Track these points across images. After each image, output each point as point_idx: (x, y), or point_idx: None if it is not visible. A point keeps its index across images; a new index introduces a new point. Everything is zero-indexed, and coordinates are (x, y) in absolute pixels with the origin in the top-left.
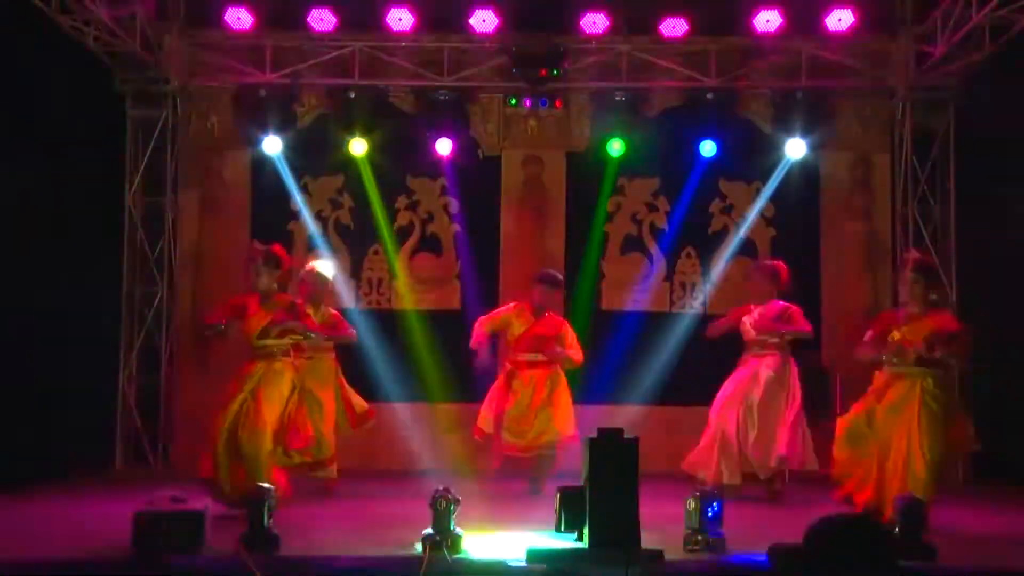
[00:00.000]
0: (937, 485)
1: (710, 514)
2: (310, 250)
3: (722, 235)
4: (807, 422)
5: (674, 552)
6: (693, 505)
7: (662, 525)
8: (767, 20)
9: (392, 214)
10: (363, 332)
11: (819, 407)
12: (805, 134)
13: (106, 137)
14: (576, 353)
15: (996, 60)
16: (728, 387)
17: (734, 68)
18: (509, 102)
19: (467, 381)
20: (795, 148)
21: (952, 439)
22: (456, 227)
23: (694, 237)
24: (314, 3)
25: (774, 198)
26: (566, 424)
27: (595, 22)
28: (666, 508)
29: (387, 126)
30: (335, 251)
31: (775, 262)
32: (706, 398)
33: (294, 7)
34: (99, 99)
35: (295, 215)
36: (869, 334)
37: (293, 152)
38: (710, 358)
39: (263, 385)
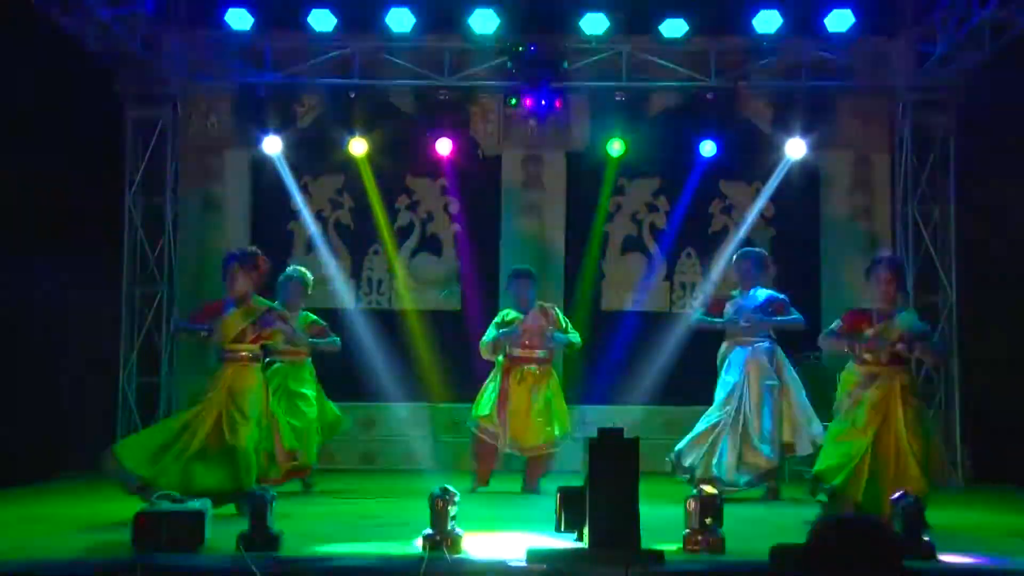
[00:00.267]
0: (930, 481)
1: (710, 514)
2: (310, 250)
3: (722, 235)
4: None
5: (674, 552)
6: (693, 505)
7: (662, 525)
8: (767, 20)
9: (392, 214)
10: (363, 332)
11: (819, 407)
12: (805, 134)
13: (106, 137)
14: (575, 335)
15: (996, 60)
16: (725, 385)
17: (734, 68)
18: (509, 102)
19: (467, 381)
20: (795, 148)
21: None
22: (456, 227)
23: (694, 237)
24: (314, 3)
25: (774, 198)
26: (564, 423)
27: (595, 22)
28: (666, 508)
29: (387, 126)
30: (335, 251)
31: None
32: (706, 398)
33: (294, 7)
34: (99, 99)
35: (295, 215)
36: (841, 327)
37: (293, 152)
38: (710, 358)
39: (237, 388)
